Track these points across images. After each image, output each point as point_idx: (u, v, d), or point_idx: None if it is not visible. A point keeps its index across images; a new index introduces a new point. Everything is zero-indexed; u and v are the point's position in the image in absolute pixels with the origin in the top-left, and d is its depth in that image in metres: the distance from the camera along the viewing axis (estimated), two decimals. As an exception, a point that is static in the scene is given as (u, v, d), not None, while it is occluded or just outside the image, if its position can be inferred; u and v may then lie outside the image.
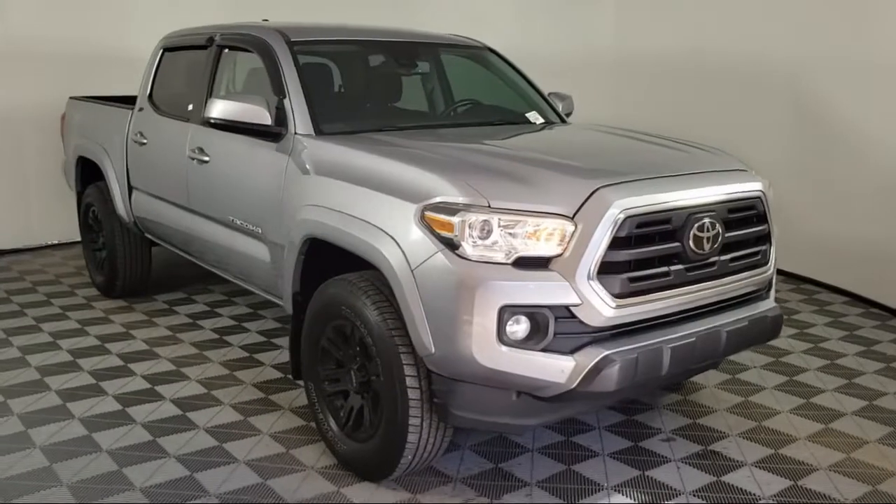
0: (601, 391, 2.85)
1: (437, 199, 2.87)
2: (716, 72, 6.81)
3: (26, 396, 4.09)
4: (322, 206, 3.35)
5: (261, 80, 4.51)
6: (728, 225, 3.12)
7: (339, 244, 3.23)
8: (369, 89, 4.22)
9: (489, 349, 2.75)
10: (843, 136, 5.83)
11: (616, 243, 2.83)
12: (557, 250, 2.81)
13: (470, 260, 2.78)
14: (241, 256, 4.05)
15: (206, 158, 4.26)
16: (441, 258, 2.81)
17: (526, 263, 2.80)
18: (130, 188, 5.29)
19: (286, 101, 3.77)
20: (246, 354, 4.73)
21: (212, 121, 3.74)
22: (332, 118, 3.79)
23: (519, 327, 2.77)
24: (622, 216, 2.82)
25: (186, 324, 5.28)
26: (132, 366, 4.52)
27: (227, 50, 4.47)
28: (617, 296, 2.83)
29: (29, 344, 4.87)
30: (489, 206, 2.81)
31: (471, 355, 2.76)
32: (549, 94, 4.70)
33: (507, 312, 2.74)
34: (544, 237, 2.81)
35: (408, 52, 4.51)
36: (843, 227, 5.89)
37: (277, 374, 4.41)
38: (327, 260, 3.46)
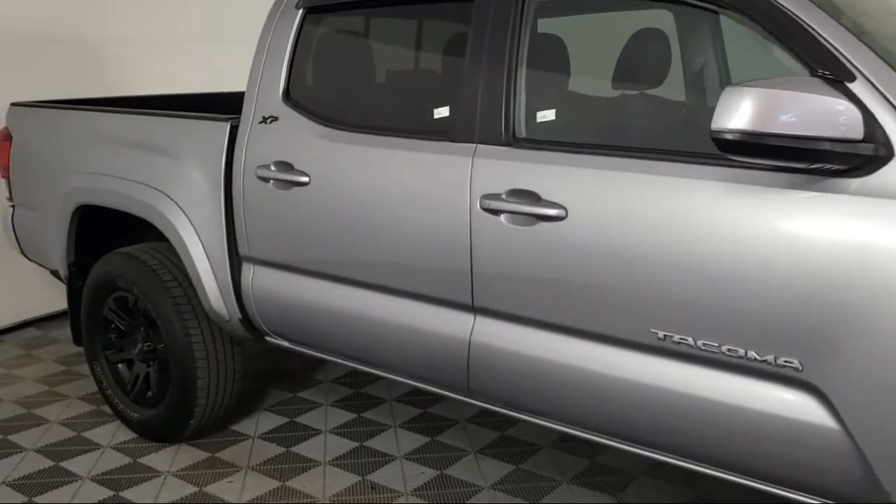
0: None
1: None
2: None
3: None
4: None
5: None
6: None
7: None
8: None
9: None
10: None
11: None
12: None
13: None
14: (726, 414, 1.97)
15: (555, 213, 2.14)
16: None
17: None
18: (238, 260, 2.98)
19: (859, 88, 1.78)
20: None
21: (727, 136, 1.68)
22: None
23: None
24: None
25: (355, 486, 3.05)
26: None
27: (530, 5, 2.34)
28: None
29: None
30: None
31: None
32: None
33: None
34: None
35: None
36: None
37: None
38: None
